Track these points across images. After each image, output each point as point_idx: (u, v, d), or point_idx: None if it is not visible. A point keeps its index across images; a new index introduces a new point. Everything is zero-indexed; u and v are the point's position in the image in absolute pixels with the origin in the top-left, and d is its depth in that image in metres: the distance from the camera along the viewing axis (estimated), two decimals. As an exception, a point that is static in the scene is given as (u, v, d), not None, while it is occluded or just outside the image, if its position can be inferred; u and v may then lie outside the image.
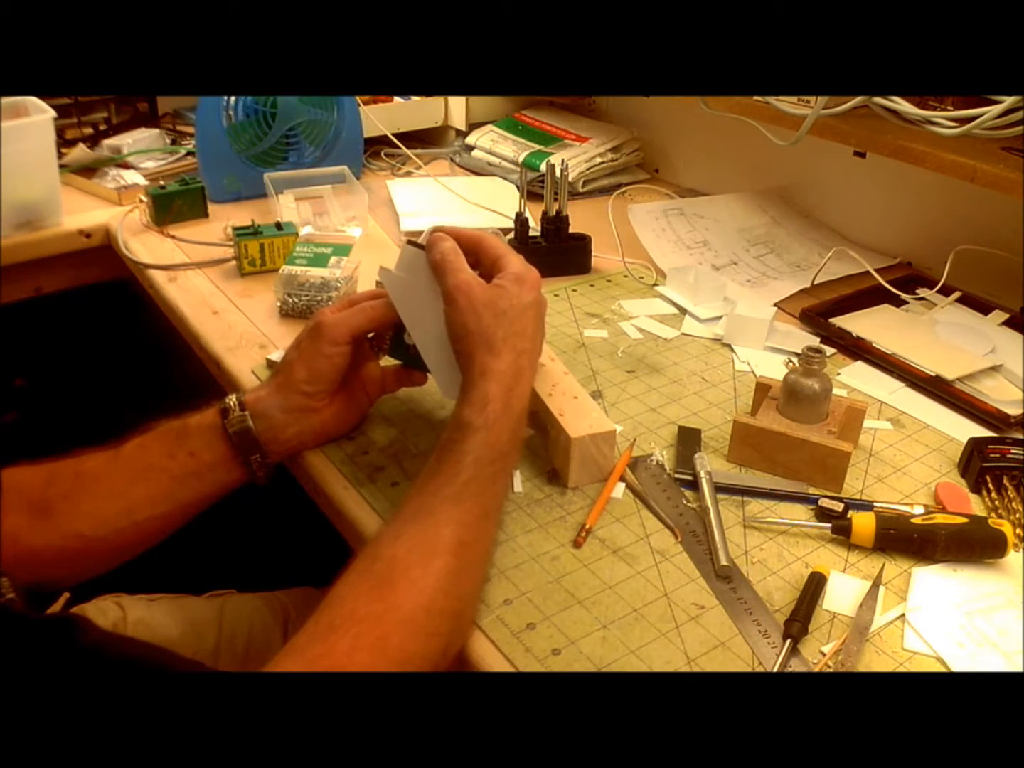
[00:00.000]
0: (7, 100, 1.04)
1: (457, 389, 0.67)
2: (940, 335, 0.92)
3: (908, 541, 0.63)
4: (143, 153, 1.29)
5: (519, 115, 1.45)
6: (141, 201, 1.15)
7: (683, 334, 0.94)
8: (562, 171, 1.02)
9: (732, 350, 0.91)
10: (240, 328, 0.91)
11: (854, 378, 0.86)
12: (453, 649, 0.54)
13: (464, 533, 0.55)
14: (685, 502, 0.68)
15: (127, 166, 1.26)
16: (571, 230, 1.05)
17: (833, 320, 0.93)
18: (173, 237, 1.10)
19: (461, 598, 0.54)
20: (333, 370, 0.68)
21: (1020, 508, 0.67)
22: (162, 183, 1.15)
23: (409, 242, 0.69)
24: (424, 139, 1.48)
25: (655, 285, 1.04)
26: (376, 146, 1.39)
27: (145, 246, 1.09)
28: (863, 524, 0.64)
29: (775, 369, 0.86)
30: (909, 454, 0.75)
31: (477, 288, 0.62)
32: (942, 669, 0.55)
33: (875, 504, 0.68)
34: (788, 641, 0.56)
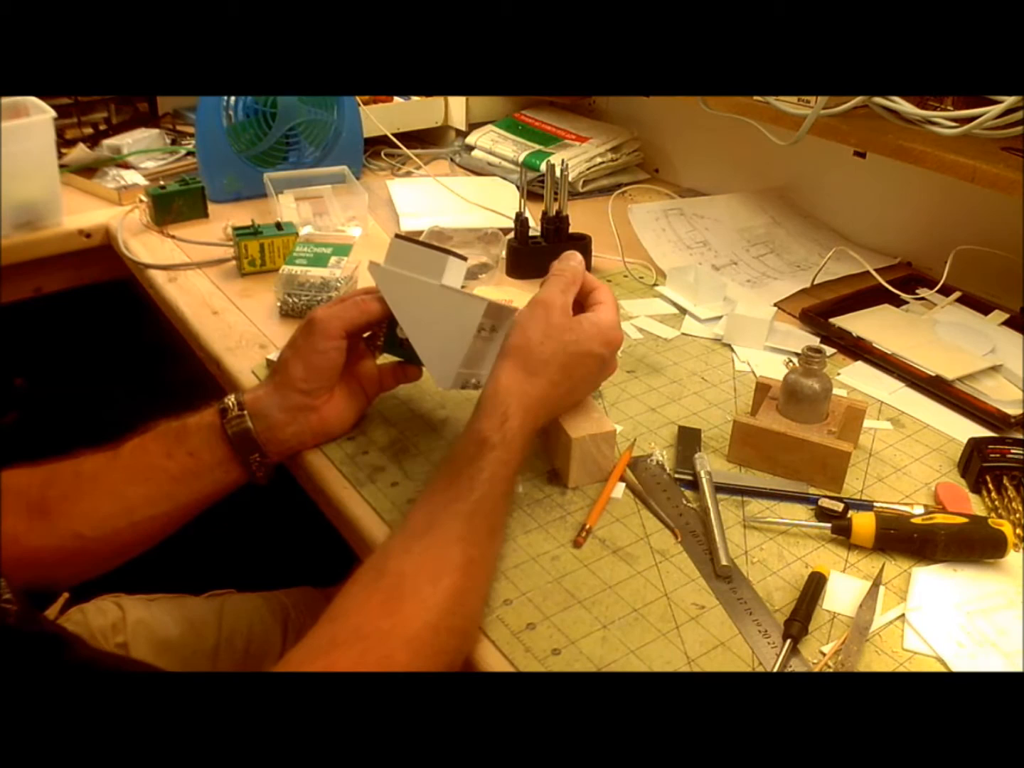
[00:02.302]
0: (7, 100, 1.04)
1: (451, 380, 0.67)
2: (940, 335, 0.92)
3: (908, 541, 0.63)
4: (143, 153, 1.29)
5: (519, 115, 1.45)
6: (141, 201, 1.15)
7: (683, 334, 0.94)
8: (562, 171, 1.02)
9: (732, 350, 0.91)
10: (240, 328, 0.91)
11: (854, 378, 0.86)
12: (456, 666, 0.54)
13: (473, 551, 0.54)
14: (685, 502, 0.68)
15: (127, 166, 1.26)
16: (571, 230, 1.05)
17: (833, 320, 0.93)
18: (173, 237, 1.10)
19: (468, 616, 0.54)
20: (329, 366, 0.68)
21: (1020, 508, 0.67)
22: (162, 183, 1.15)
23: (398, 236, 0.69)
24: (424, 139, 1.48)
25: (655, 285, 1.04)
26: (376, 146, 1.39)
27: (145, 246, 1.09)
28: (863, 524, 0.64)
29: (775, 369, 0.86)
30: (909, 454, 0.75)
31: (558, 310, 0.63)
32: (942, 669, 0.55)
33: (875, 504, 0.68)
34: (788, 641, 0.56)
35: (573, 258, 0.67)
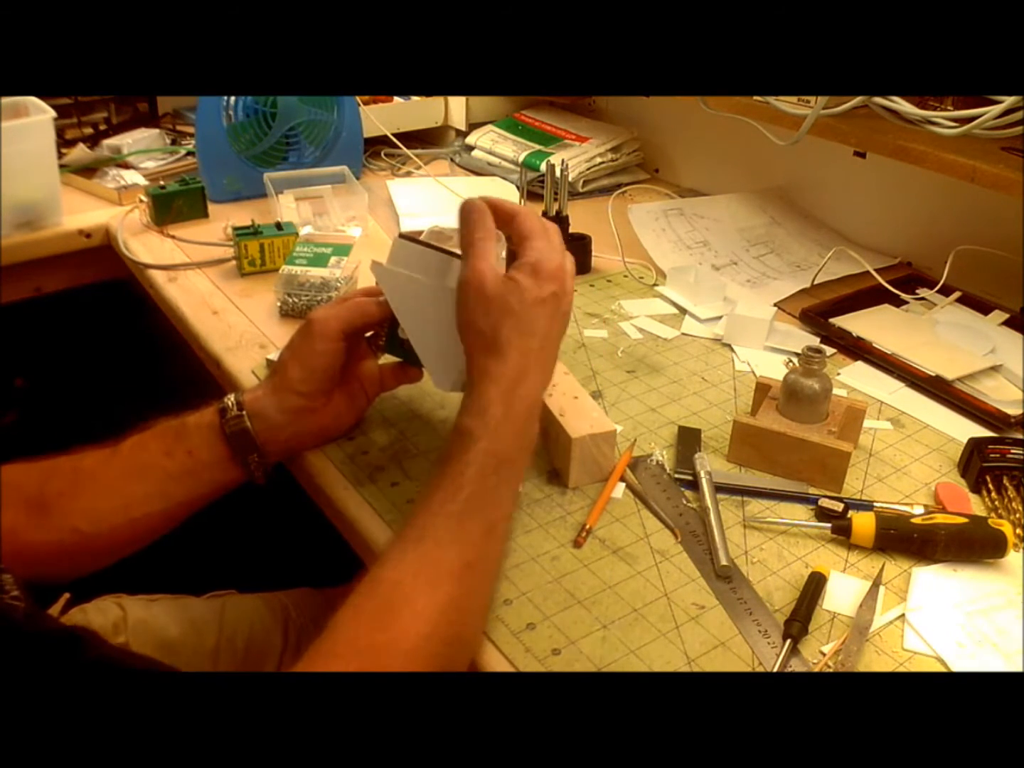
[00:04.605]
0: (7, 100, 1.04)
1: (451, 381, 0.67)
2: (940, 335, 0.92)
3: (908, 541, 0.63)
4: (143, 153, 1.29)
5: (519, 115, 1.45)
6: (141, 201, 1.15)
7: (683, 334, 0.94)
8: (562, 171, 1.02)
9: (732, 350, 0.91)
10: (240, 328, 0.91)
11: (854, 378, 0.86)
12: (458, 671, 0.53)
13: (470, 553, 0.53)
14: (685, 502, 0.68)
15: (127, 166, 1.26)
16: (571, 230, 1.05)
17: (833, 320, 0.93)
18: (173, 237, 1.10)
19: (467, 624, 0.53)
20: (327, 367, 0.68)
21: (1020, 508, 0.67)
22: (162, 183, 1.15)
23: (401, 235, 0.69)
24: (424, 139, 1.48)
25: (655, 285, 1.04)
26: (376, 146, 1.39)
27: (145, 246, 1.09)
28: (863, 524, 0.64)
29: (775, 369, 0.86)
30: (909, 454, 0.75)
31: (489, 281, 0.59)
32: (942, 669, 0.55)
33: (875, 504, 0.68)
34: (788, 641, 0.56)
35: (480, 217, 0.61)
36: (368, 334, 0.73)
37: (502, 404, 0.57)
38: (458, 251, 0.67)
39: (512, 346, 0.58)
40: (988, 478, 0.70)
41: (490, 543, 0.55)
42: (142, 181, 1.23)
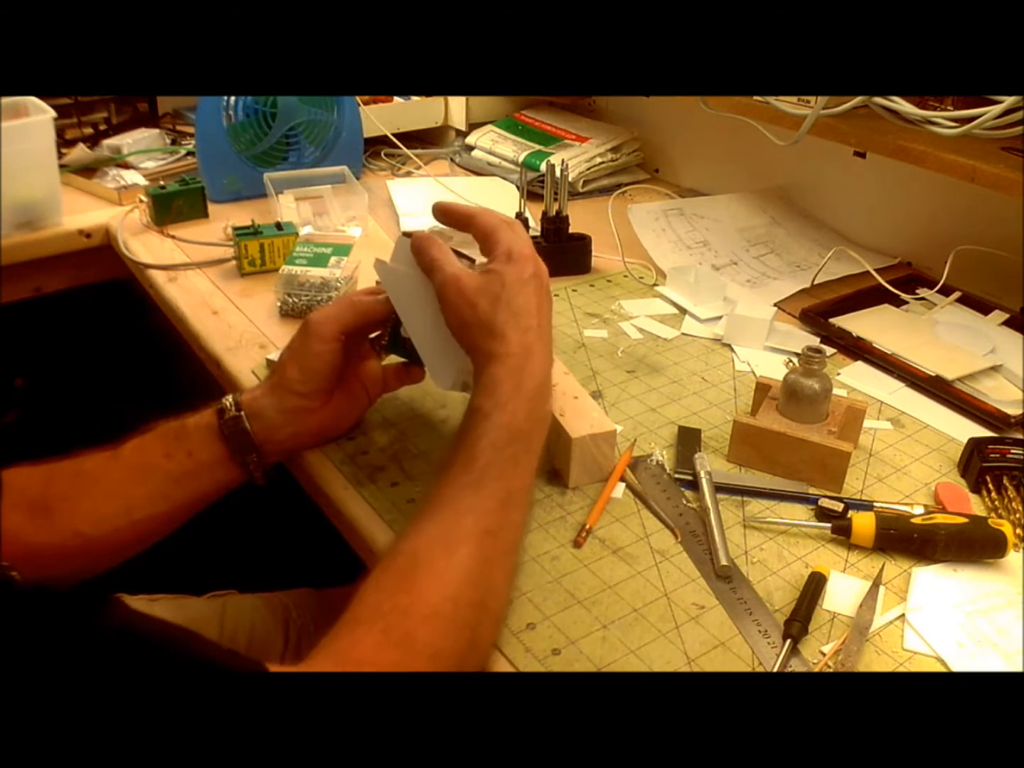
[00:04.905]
0: (7, 100, 1.04)
1: (451, 381, 0.67)
2: (940, 335, 0.92)
3: (908, 541, 0.63)
4: (143, 153, 1.29)
5: (519, 115, 1.45)
6: (141, 201, 1.15)
7: (683, 334, 0.94)
8: (562, 171, 1.02)
9: (732, 350, 0.91)
10: (240, 328, 0.91)
11: (854, 378, 0.86)
12: (483, 642, 0.53)
13: (488, 521, 0.53)
14: (685, 502, 0.68)
15: (127, 166, 1.26)
16: (571, 230, 1.05)
17: (833, 320, 0.93)
18: (173, 237, 1.10)
19: (489, 589, 0.53)
20: (324, 368, 0.67)
21: (1020, 508, 0.67)
22: (162, 183, 1.15)
23: (404, 234, 0.69)
24: (424, 139, 1.48)
25: (655, 285, 1.04)
26: (376, 146, 1.39)
27: (145, 246, 1.09)
28: (863, 524, 0.64)
29: (775, 369, 0.86)
30: (909, 454, 0.75)
31: (465, 279, 0.61)
32: (942, 669, 0.55)
33: (875, 504, 0.68)
34: (788, 641, 0.56)
35: (426, 242, 0.64)
36: (372, 335, 0.73)
37: (511, 381, 0.57)
38: (461, 251, 0.67)
39: (510, 326, 0.59)
40: (988, 478, 0.70)
41: (509, 512, 0.55)
42: (142, 181, 1.23)
